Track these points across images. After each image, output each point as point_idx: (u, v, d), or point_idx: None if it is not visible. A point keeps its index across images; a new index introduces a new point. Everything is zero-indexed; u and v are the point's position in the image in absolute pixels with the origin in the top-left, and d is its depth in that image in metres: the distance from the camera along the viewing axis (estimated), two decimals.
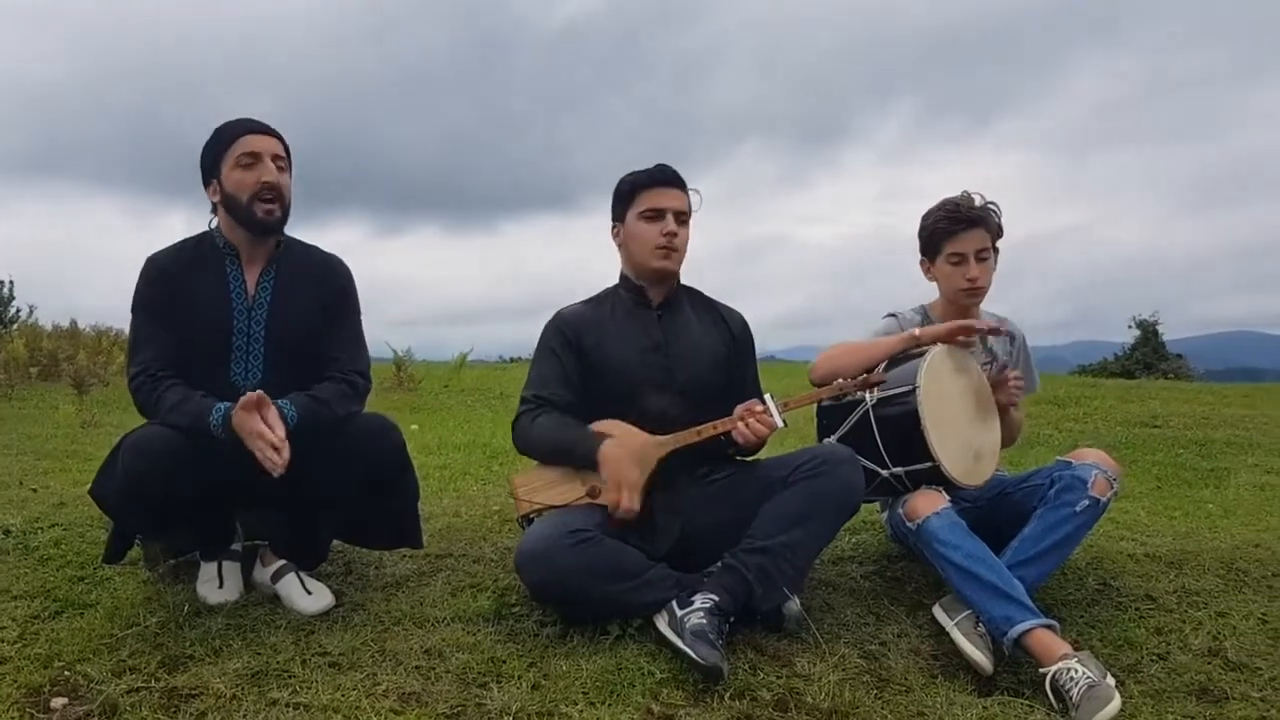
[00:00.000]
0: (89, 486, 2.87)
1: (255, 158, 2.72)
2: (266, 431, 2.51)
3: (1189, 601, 3.01)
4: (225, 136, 2.75)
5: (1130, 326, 28.58)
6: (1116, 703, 2.31)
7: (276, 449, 2.50)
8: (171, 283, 2.76)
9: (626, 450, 2.73)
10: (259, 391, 2.55)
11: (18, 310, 28.48)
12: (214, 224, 2.84)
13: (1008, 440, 3.25)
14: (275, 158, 2.75)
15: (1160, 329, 27.85)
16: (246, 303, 2.79)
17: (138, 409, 2.73)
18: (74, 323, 14.97)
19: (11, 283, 28.43)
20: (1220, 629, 2.85)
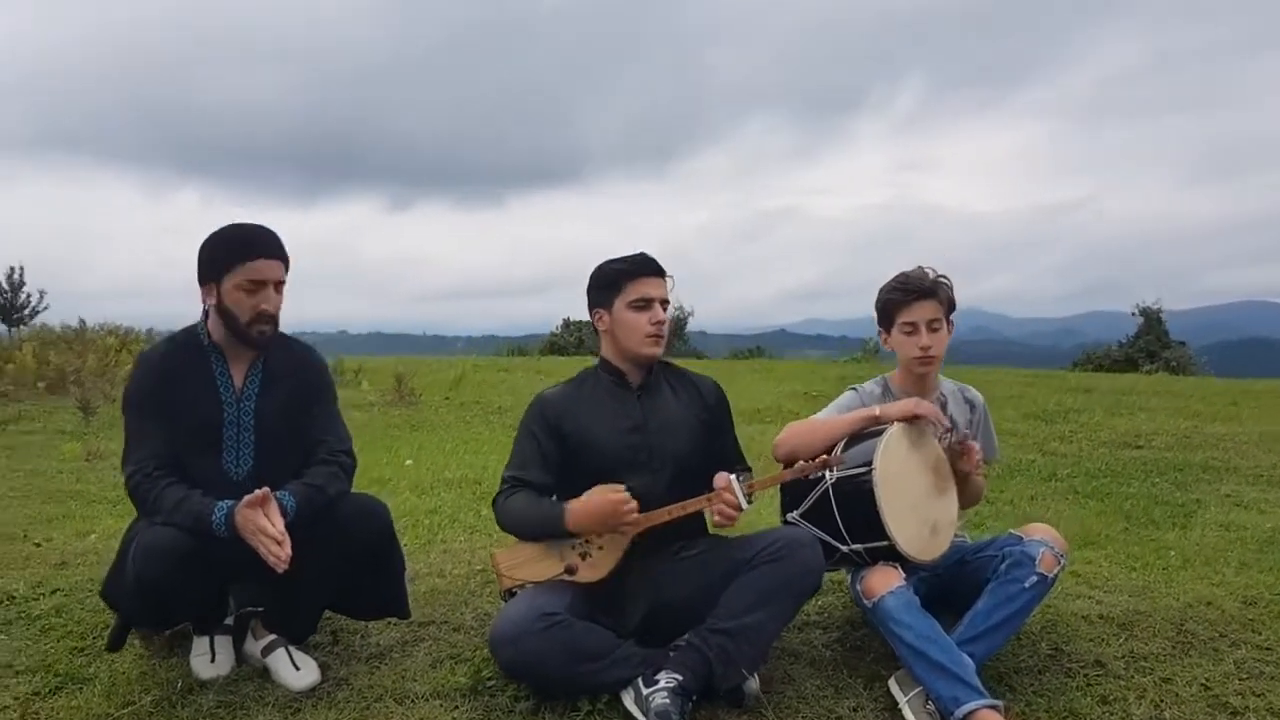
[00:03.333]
0: (99, 588, 3.02)
1: (260, 285, 2.85)
2: (268, 527, 2.66)
3: (1136, 667, 3.14)
4: (235, 253, 2.85)
5: (1134, 314, 28.80)
6: None
7: (279, 543, 2.65)
8: (163, 380, 2.90)
9: (591, 495, 2.88)
10: (265, 489, 2.70)
11: (28, 296, 28.63)
12: (204, 321, 2.97)
13: (969, 502, 3.39)
14: (278, 284, 2.89)
15: (1164, 316, 28.08)
16: (234, 396, 2.94)
17: (136, 508, 2.88)
18: (82, 323, 15.19)
19: (22, 268, 28.60)
20: (1163, 696, 2.97)
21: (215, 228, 2.91)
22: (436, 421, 9.07)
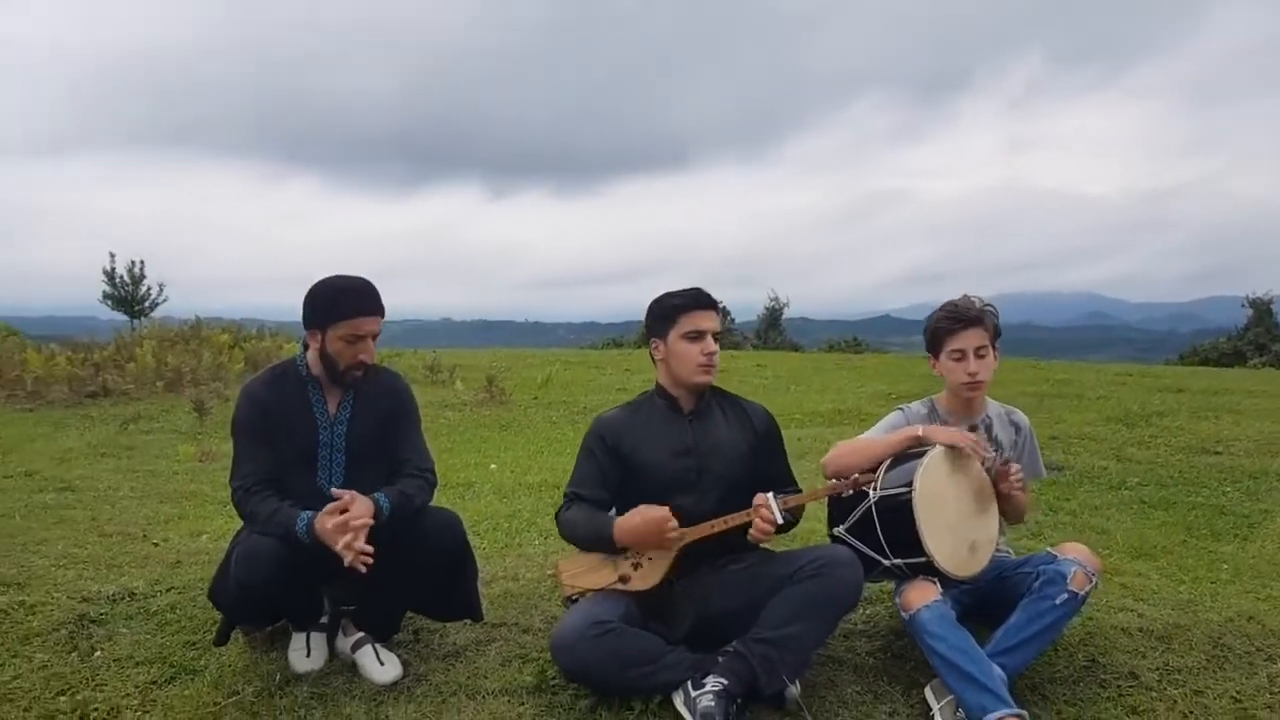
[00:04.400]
0: (208, 589, 3.40)
1: (360, 339, 3.18)
2: (351, 520, 2.96)
3: (1169, 680, 3.28)
4: (342, 309, 3.16)
5: (1243, 306, 28.14)
6: None
7: (356, 534, 2.96)
8: (265, 409, 3.25)
9: (637, 511, 3.13)
10: (351, 492, 3.04)
11: (148, 289, 29.80)
12: (304, 355, 3.31)
13: (1014, 520, 3.57)
14: (374, 335, 3.21)
15: (1275, 308, 27.38)
16: (329, 421, 3.28)
17: (240, 516, 3.25)
18: (198, 319, 16.02)
19: (142, 263, 29.78)
20: (1192, 708, 3.12)
21: (320, 278, 3.23)
22: (525, 422, 9.44)
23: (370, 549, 2.97)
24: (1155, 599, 3.90)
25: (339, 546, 2.96)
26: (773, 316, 33.19)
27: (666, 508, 3.10)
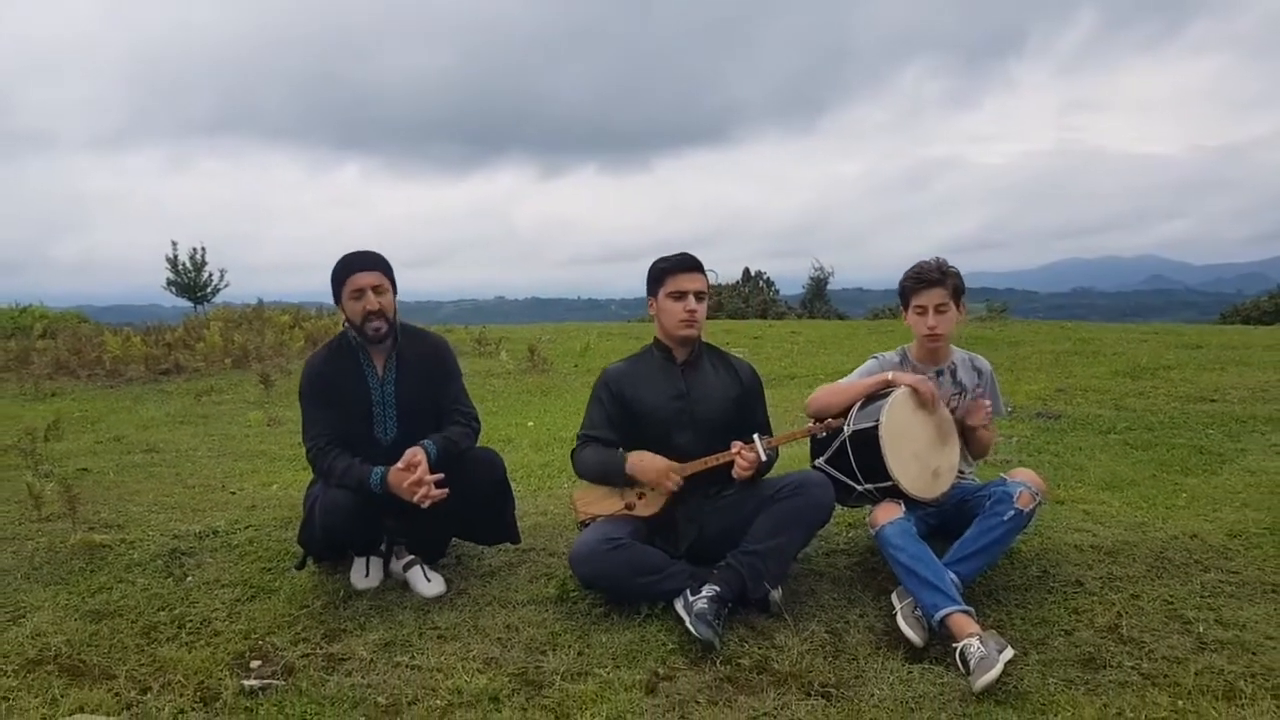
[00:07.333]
0: (297, 535, 3.98)
1: (360, 292, 3.73)
2: (423, 475, 3.57)
3: (1111, 586, 3.75)
4: (340, 275, 3.76)
5: None
6: (996, 671, 3.09)
7: (429, 485, 3.56)
8: (324, 377, 3.83)
9: (647, 457, 3.69)
10: (413, 451, 3.62)
11: (210, 275, 30.52)
12: (347, 326, 3.87)
13: (980, 452, 4.07)
14: (375, 288, 3.74)
15: None
16: (379, 381, 3.85)
17: (314, 472, 3.85)
18: (260, 301, 16.78)
19: (204, 249, 30.53)
20: (1127, 608, 3.58)
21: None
22: (564, 387, 10.04)
23: (443, 491, 3.58)
24: (1111, 521, 4.36)
25: (415, 498, 3.56)
26: (817, 286, 33.45)
27: (672, 463, 3.65)
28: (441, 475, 3.61)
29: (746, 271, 35.03)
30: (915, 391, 3.75)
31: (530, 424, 7.43)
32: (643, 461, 3.69)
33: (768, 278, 34.83)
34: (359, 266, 3.76)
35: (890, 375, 3.83)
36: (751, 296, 31.52)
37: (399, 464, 3.60)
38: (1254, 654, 3.22)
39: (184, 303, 28.85)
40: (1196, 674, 3.09)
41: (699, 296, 3.80)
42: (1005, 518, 3.59)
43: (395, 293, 3.84)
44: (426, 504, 3.57)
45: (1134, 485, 4.99)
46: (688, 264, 3.81)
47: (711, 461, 3.67)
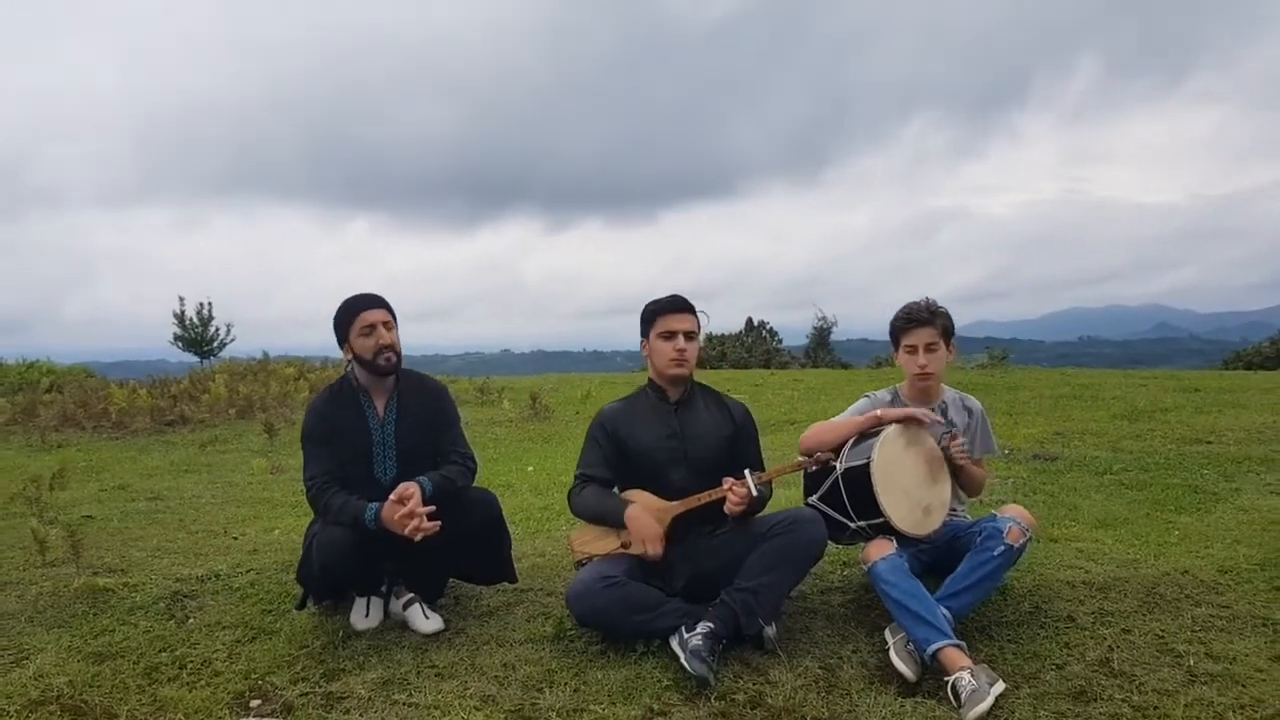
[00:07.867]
0: (295, 573, 4.03)
1: (371, 328, 3.84)
2: (415, 509, 3.61)
3: (1103, 621, 3.78)
4: (348, 315, 3.87)
5: None
6: (987, 703, 3.13)
7: (422, 518, 3.61)
8: (326, 418, 3.92)
9: (645, 511, 3.73)
10: (405, 484, 3.68)
11: (216, 329, 30.73)
12: (350, 369, 3.96)
13: (973, 491, 4.11)
14: (385, 324, 3.85)
15: None
16: (379, 423, 3.92)
17: (313, 510, 3.91)
18: (265, 354, 16.90)
19: (210, 304, 30.75)
20: (1118, 643, 3.60)
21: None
22: (565, 434, 10.11)
23: (435, 524, 3.63)
24: (1103, 558, 4.40)
25: (406, 530, 3.60)
26: (821, 336, 33.55)
27: (661, 530, 3.71)
28: (434, 508, 3.66)
29: (749, 321, 35.14)
30: (907, 424, 3.81)
31: (530, 469, 7.49)
32: (636, 518, 3.73)
33: (771, 327, 34.94)
34: (366, 305, 3.88)
35: (880, 412, 3.89)
36: (754, 346, 31.61)
37: (391, 496, 3.66)
38: (1243, 686, 3.24)
39: (190, 357, 28.97)
40: (1186, 706, 3.12)
41: (689, 336, 3.87)
42: (995, 553, 3.63)
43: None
44: (418, 537, 3.62)
45: (1127, 524, 5.03)
46: (677, 305, 3.89)
47: (704, 498, 3.73)
